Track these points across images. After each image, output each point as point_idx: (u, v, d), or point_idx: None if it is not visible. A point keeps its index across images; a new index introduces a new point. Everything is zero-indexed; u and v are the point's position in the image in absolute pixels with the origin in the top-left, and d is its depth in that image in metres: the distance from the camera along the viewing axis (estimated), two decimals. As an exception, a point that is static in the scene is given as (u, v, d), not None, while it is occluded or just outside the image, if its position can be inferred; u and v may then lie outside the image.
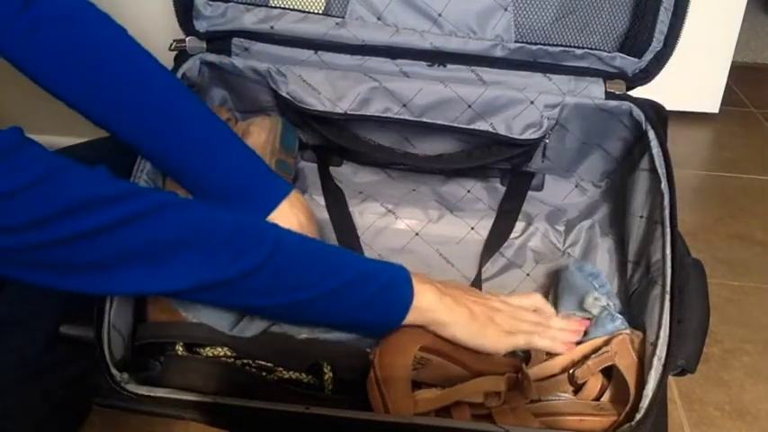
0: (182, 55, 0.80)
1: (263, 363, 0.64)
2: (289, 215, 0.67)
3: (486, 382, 0.63)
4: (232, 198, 0.67)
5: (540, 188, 0.90)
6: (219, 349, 0.63)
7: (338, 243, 0.84)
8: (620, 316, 0.67)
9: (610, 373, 0.66)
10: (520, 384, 0.62)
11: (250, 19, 0.80)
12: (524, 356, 0.67)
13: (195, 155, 0.66)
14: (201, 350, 0.64)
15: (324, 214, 0.87)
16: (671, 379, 0.82)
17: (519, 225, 0.87)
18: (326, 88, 0.79)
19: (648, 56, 0.79)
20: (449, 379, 0.63)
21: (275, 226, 0.58)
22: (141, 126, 0.65)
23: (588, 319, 0.69)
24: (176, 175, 0.69)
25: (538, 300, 0.69)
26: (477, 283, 0.81)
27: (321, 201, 0.88)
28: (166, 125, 0.65)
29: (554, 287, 0.77)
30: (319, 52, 0.82)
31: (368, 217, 0.87)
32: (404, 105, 0.79)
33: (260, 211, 0.67)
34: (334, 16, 0.82)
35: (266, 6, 0.81)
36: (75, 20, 0.64)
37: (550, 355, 0.66)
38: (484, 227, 0.87)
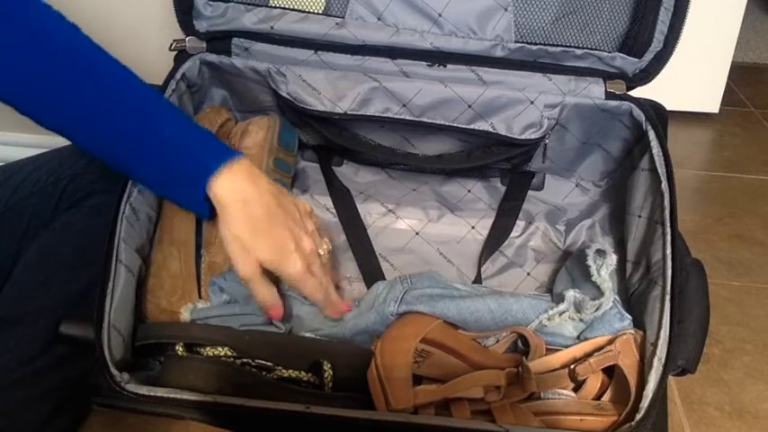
0: (182, 55, 0.80)
1: (263, 362, 0.64)
2: (233, 186, 0.61)
3: (486, 375, 0.63)
4: (170, 164, 0.61)
5: (540, 188, 0.90)
6: (219, 349, 0.64)
7: (348, 244, 0.84)
8: (629, 316, 0.67)
9: (610, 371, 0.66)
10: (520, 378, 0.62)
11: (250, 19, 0.80)
12: (524, 350, 0.67)
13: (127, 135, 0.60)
14: (201, 350, 0.64)
15: (326, 215, 0.87)
16: (671, 379, 0.82)
17: (519, 224, 0.87)
18: (326, 88, 0.78)
19: (648, 56, 0.79)
20: (449, 372, 0.63)
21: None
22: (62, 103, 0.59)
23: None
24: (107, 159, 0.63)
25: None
26: (477, 281, 0.81)
27: (323, 201, 0.87)
28: (95, 99, 0.59)
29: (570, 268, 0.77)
30: (319, 52, 0.82)
31: (369, 217, 0.87)
32: (404, 105, 0.79)
33: (200, 175, 0.61)
34: (334, 16, 0.82)
35: (266, 6, 0.81)
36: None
37: (550, 350, 0.66)
38: (484, 226, 0.87)
